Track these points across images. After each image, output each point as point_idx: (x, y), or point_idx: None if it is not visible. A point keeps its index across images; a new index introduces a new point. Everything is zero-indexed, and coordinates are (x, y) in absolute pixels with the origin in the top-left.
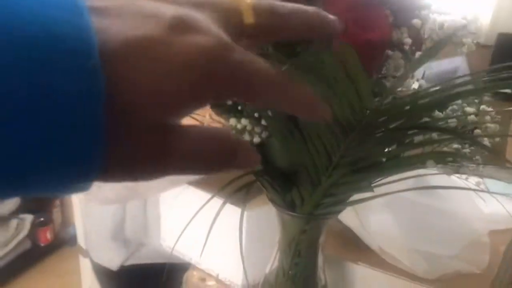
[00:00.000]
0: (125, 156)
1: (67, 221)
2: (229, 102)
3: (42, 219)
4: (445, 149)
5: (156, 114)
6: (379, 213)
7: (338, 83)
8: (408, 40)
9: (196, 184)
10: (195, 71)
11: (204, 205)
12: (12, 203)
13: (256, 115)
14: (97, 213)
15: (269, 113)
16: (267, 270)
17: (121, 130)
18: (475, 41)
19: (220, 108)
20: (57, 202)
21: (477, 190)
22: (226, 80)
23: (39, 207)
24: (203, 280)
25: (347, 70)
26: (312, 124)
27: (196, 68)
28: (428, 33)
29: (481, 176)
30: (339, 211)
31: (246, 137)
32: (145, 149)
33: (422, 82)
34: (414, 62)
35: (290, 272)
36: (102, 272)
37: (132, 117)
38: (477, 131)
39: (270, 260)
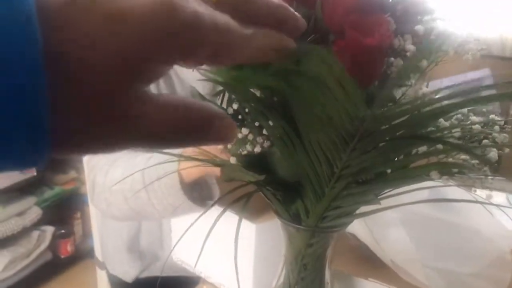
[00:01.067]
0: (77, 123)
1: (87, 233)
2: (230, 111)
3: (63, 231)
4: (450, 159)
5: (110, 78)
6: (395, 228)
7: (331, 89)
8: (411, 47)
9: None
10: (151, 24)
11: (203, 212)
12: (34, 214)
13: (257, 124)
14: (113, 226)
15: (270, 122)
16: (273, 285)
17: (70, 95)
18: (479, 49)
19: None
20: (78, 214)
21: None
22: (185, 33)
23: (60, 219)
24: None
25: (336, 77)
26: (313, 133)
27: (153, 22)
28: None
29: (491, 189)
30: (346, 224)
31: (248, 147)
32: (99, 117)
33: (426, 90)
34: (403, 69)
35: (296, 286)
36: (117, 284)
37: (80, 82)
38: (485, 141)
39: (277, 274)
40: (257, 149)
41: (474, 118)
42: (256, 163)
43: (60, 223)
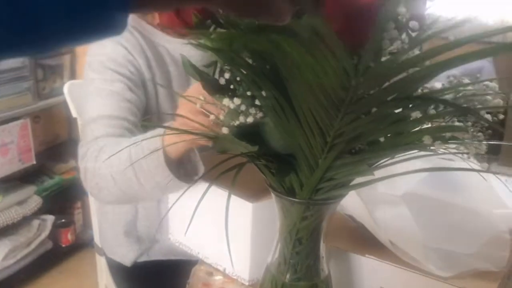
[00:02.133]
0: None
1: (88, 222)
2: (222, 82)
3: (63, 220)
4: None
5: None
6: (395, 208)
7: (321, 53)
8: (403, 10)
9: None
10: None
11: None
12: (35, 203)
13: (249, 93)
14: (110, 210)
15: (263, 92)
16: (268, 260)
17: None
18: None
19: (213, 87)
20: (79, 204)
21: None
22: None
23: (60, 208)
24: (210, 274)
25: (324, 41)
26: (305, 100)
27: None
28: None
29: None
30: (340, 196)
31: (241, 117)
32: None
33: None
34: (413, 39)
35: (291, 261)
36: (116, 268)
37: None
38: (478, 106)
39: (272, 249)
40: (250, 120)
41: (466, 80)
42: (249, 134)
43: (60, 212)
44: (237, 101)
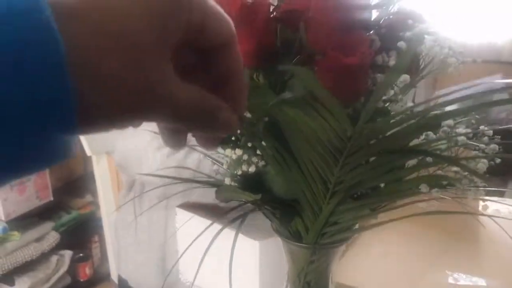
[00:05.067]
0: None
1: (106, 256)
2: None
3: (81, 254)
4: (440, 172)
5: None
6: None
7: (316, 109)
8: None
9: (210, 217)
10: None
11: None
12: (53, 239)
13: (249, 144)
14: (131, 241)
15: (263, 142)
16: None
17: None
18: (460, 61)
19: None
20: (96, 238)
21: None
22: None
23: (78, 243)
24: None
25: (317, 97)
26: (304, 151)
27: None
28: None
29: (485, 200)
30: (346, 239)
31: (243, 167)
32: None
33: (409, 103)
34: (386, 77)
35: None
36: None
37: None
38: (475, 152)
39: None
40: (252, 169)
41: (460, 130)
42: (251, 182)
43: (78, 247)
44: (239, 151)
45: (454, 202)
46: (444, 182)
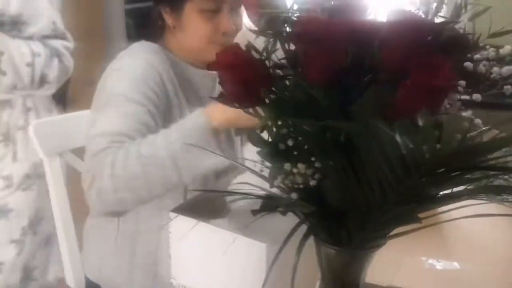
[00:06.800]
0: None
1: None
2: (282, 147)
3: None
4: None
5: None
6: None
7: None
8: (462, 82)
9: (206, 219)
10: None
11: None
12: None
13: (313, 159)
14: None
15: (325, 156)
16: None
17: None
18: None
19: (271, 153)
20: None
21: None
22: None
23: None
24: None
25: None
26: (374, 168)
27: None
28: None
29: None
30: (384, 244)
31: (301, 180)
32: None
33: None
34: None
35: None
36: None
37: None
38: None
39: None
40: (313, 183)
41: None
42: (306, 194)
43: None
44: (301, 166)
45: None
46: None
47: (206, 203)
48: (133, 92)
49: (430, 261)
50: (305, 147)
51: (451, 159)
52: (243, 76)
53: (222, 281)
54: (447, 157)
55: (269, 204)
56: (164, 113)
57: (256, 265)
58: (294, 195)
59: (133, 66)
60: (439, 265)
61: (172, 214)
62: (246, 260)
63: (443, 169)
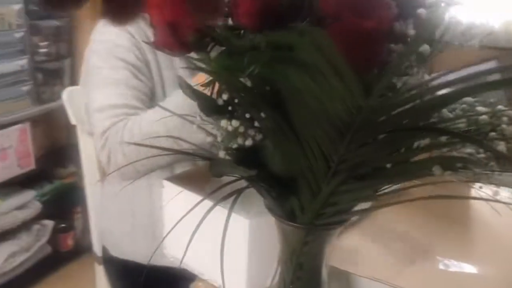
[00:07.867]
0: None
1: (88, 228)
2: (220, 102)
3: (63, 225)
4: (454, 153)
5: None
6: None
7: (326, 76)
8: (413, 32)
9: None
10: None
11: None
12: (34, 208)
13: (248, 115)
14: (117, 209)
15: (262, 114)
16: (268, 284)
17: None
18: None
19: (210, 108)
20: (79, 209)
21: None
22: None
23: (60, 213)
24: None
25: (331, 62)
26: (307, 125)
27: None
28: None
29: (498, 185)
30: (343, 222)
31: (239, 140)
32: None
33: (428, 78)
34: (405, 49)
35: (291, 286)
36: (119, 276)
37: None
38: (492, 134)
39: (271, 273)
40: (248, 143)
41: (481, 108)
42: (247, 157)
43: (60, 217)
44: (235, 123)
45: (447, 187)
46: (459, 165)
47: (200, 175)
48: (117, 60)
49: (445, 261)
50: (235, 101)
51: (383, 113)
52: (171, 19)
53: (210, 254)
54: (377, 111)
55: (216, 168)
56: (149, 79)
57: (239, 240)
58: (221, 153)
59: (114, 35)
60: (455, 266)
61: (165, 183)
62: (230, 234)
63: (378, 128)
